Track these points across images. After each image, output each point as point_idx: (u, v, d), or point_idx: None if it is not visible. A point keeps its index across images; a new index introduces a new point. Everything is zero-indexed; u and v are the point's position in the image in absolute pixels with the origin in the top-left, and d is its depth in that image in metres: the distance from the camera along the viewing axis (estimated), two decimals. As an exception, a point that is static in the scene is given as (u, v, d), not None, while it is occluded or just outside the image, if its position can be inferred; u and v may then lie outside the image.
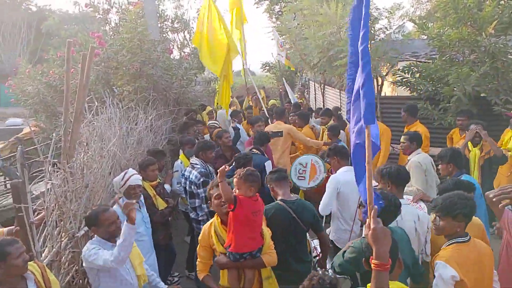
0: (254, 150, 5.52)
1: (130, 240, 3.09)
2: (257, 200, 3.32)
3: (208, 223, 3.53)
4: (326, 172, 5.48)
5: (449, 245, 2.78)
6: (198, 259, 3.51)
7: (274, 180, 3.80)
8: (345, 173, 4.45)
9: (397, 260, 2.40)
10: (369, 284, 2.06)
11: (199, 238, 3.51)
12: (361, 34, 2.15)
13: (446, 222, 2.76)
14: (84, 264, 3.18)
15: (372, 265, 1.94)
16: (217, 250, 3.36)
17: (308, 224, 3.68)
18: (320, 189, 5.08)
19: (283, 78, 14.35)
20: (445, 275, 2.60)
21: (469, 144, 5.59)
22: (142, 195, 4.34)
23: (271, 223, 3.59)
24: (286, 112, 8.43)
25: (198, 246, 3.50)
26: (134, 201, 3.36)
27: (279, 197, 3.73)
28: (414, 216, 3.35)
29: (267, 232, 3.43)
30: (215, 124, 7.83)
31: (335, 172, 4.64)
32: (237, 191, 3.29)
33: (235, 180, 3.33)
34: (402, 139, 4.99)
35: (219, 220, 3.41)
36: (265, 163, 5.20)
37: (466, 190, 3.15)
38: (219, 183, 3.16)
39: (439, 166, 4.28)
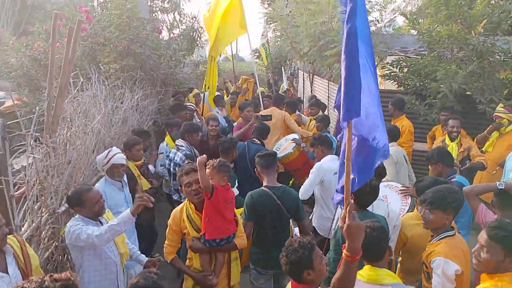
0: (255, 140, 5.64)
1: (123, 228, 3.05)
2: (229, 189, 3.47)
3: (179, 207, 3.52)
4: (293, 149, 5.89)
5: (440, 239, 2.83)
6: (166, 242, 3.50)
7: (261, 165, 3.83)
8: (330, 162, 4.53)
9: (387, 249, 2.48)
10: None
11: (169, 221, 3.49)
12: (347, 9, 1.93)
13: (436, 215, 2.82)
14: (67, 242, 3.13)
15: (343, 255, 1.97)
16: (190, 234, 3.38)
17: (291, 211, 3.71)
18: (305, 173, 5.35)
19: (282, 68, 14.33)
20: (449, 271, 2.64)
21: (447, 138, 5.60)
22: (125, 175, 4.30)
23: (256, 208, 3.64)
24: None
25: (168, 228, 3.49)
26: (152, 198, 3.11)
27: (264, 183, 3.77)
28: (385, 213, 3.45)
29: (239, 217, 3.58)
30: (192, 107, 7.62)
31: (319, 161, 4.69)
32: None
33: (207, 170, 3.39)
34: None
35: (193, 206, 3.40)
36: None
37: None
38: (198, 171, 3.20)
39: (429, 167, 4.36)
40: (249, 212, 3.66)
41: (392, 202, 4.01)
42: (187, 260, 3.57)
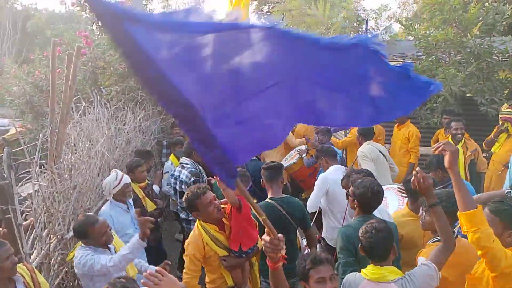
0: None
1: (135, 255, 3.05)
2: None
3: (194, 234, 3.30)
4: (297, 160, 6.06)
5: (434, 241, 2.83)
6: (188, 275, 3.24)
7: (266, 177, 3.85)
8: (334, 172, 4.55)
9: (392, 248, 2.54)
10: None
11: (189, 252, 3.25)
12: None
13: (431, 218, 2.81)
14: (77, 271, 3.11)
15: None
16: (216, 255, 3.28)
17: (298, 220, 3.73)
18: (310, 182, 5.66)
19: None
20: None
21: (451, 142, 5.57)
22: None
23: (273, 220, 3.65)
24: None
25: (188, 260, 3.25)
26: (151, 219, 3.11)
27: (269, 195, 3.81)
28: (389, 217, 3.53)
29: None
30: None
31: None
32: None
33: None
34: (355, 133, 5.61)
35: (213, 226, 3.28)
36: None
37: None
38: (223, 191, 3.21)
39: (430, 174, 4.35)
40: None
41: (390, 205, 4.03)
42: (208, 284, 3.44)
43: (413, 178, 2.49)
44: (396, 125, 6.69)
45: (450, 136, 5.66)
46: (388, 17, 8.50)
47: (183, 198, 3.35)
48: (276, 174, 3.84)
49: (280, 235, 2.06)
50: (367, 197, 3.10)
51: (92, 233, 3.08)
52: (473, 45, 6.20)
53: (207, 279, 3.44)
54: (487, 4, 6.76)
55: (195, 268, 3.26)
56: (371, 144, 5.43)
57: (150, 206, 4.71)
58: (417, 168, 2.53)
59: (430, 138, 6.73)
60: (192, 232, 3.36)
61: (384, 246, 2.51)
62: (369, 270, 2.51)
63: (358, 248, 2.63)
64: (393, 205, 4.06)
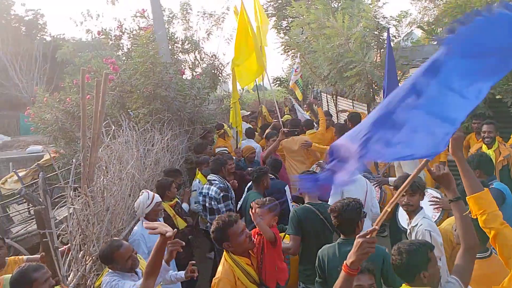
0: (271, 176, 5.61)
1: (161, 279, 3.06)
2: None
3: (226, 268, 3.02)
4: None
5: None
6: None
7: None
8: None
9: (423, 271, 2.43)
10: None
11: None
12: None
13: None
14: None
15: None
16: None
17: (332, 225, 3.75)
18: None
19: (290, 97, 14.29)
20: None
21: (483, 146, 5.38)
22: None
23: (302, 223, 3.75)
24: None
25: None
26: (181, 242, 2.89)
27: (306, 200, 3.99)
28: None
29: None
30: (225, 151, 7.32)
31: None
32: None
33: (257, 209, 3.42)
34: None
35: (245, 258, 3.08)
36: (285, 188, 5.24)
37: None
38: (257, 225, 3.25)
39: None
40: (296, 226, 3.75)
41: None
42: None
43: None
44: None
45: (482, 141, 5.51)
46: (409, 23, 8.41)
47: (211, 230, 3.12)
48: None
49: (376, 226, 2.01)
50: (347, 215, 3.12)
51: (118, 258, 3.05)
52: (499, 45, 6.06)
53: None
54: (510, 2, 6.62)
55: None
56: None
57: (181, 224, 4.77)
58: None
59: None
60: (220, 266, 3.10)
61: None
62: None
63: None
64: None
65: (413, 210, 3.44)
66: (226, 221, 2.99)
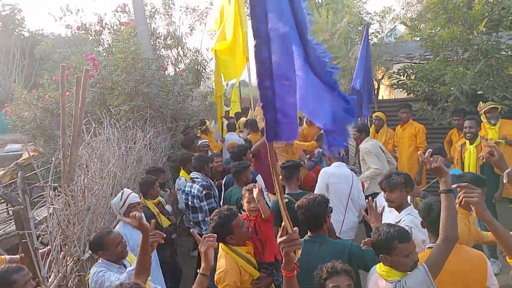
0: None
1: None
2: None
3: (229, 261, 3.03)
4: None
5: (428, 248, 2.79)
6: None
7: (284, 175, 4.27)
8: (334, 167, 4.87)
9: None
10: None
11: (228, 281, 2.93)
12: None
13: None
14: None
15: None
16: (253, 277, 3.14)
17: None
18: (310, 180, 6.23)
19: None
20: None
21: (467, 142, 5.38)
22: (143, 214, 4.29)
23: (279, 213, 3.72)
24: None
25: None
26: (162, 233, 2.96)
27: (286, 190, 4.18)
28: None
29: None
30: (205, 143, 7.46)
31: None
32: (245, 205, 3.53)
33: (248, 195, 3.52)
34: (352, 131, 5.73)
35: (248, 247, 3.18)
36: (256, 178, 5.17)
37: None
38: (258, 203, 3.31)
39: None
40: (276, 217, 3.68)
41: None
42: None
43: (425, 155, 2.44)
44: (399, 126, 6.67)
45: (463, 136, 5.56)
46: (392, 19, 8.46)
47: (210, 225, 3.09)
48: (292, 172, 4.27)
49: (295, 228, 2.02)
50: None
51: (107, 243, 3.10)
52: (480, 42, 6.13)
53: None
54: (491, 0, 6.71)
55: None
56: (372, 140, 5.83)
57: (165, 222, 4.71)
58: (419, 152, 2.54)
59: (443, 139, 6.63)
60: (222, 260, 3.08)
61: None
62: (379, 268, 2.59)
63: None
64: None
65: (398, 206, 3.46)
66: (228, 214, 3.03)
